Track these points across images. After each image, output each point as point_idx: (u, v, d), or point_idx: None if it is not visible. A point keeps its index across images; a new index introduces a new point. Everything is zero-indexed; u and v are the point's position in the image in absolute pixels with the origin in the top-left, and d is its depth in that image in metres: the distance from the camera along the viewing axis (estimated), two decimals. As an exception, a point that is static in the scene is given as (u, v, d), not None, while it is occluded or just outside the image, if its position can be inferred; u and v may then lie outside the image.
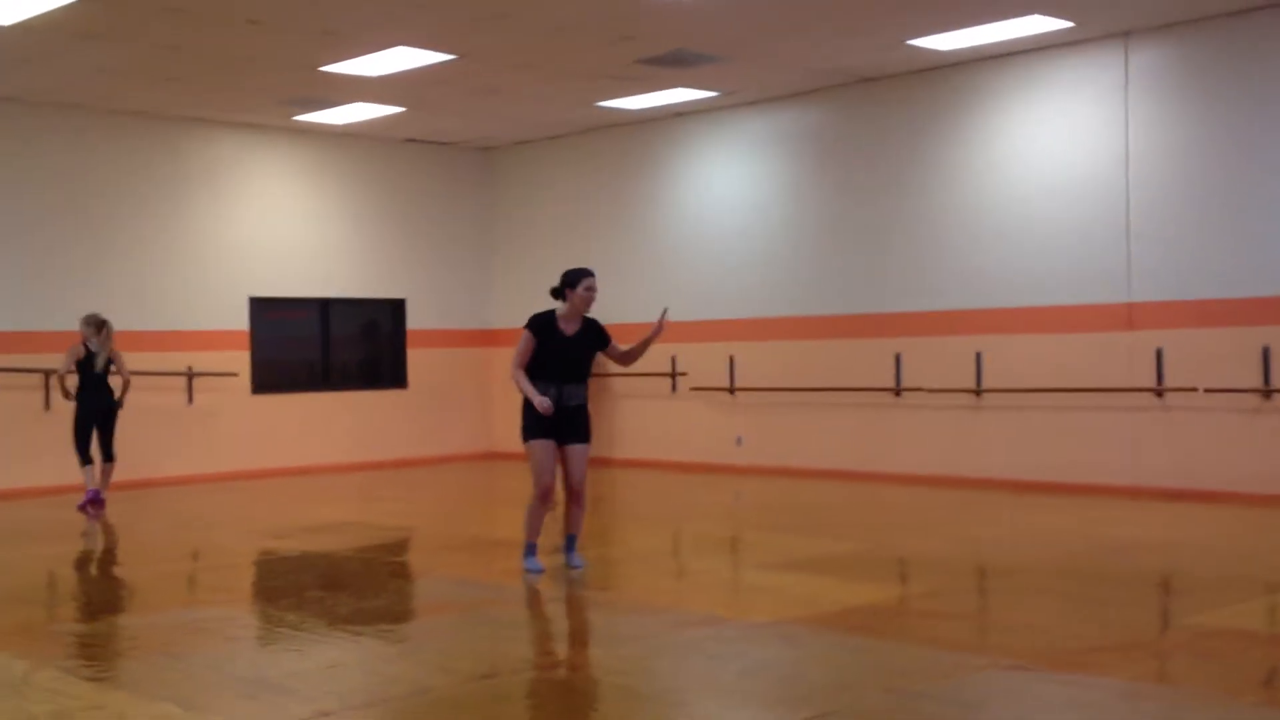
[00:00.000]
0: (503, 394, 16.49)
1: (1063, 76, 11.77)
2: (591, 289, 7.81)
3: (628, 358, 8.03)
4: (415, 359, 16.19)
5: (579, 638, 6.54)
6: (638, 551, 8.46)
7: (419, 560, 9.30)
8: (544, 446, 7.76)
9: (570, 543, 8.08)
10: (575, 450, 7.83)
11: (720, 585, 7.93)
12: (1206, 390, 10.89)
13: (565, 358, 7.76)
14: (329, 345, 15.70)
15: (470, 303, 16.74)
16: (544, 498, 7.84)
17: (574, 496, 7.95)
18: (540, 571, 7.88)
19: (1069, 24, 10.94)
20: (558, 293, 7.88)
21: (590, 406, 7.94)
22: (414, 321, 16.17)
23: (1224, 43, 10.86)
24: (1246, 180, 10.75)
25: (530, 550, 7.97)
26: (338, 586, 7.89)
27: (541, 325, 7.79)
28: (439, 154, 16.36)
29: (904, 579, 8.05)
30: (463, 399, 16.58)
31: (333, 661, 5.89)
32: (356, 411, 15.63)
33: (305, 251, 15.33)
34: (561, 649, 6.29)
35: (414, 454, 15.97)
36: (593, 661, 5.86)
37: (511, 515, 11.81)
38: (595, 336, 7.93)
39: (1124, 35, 11.32)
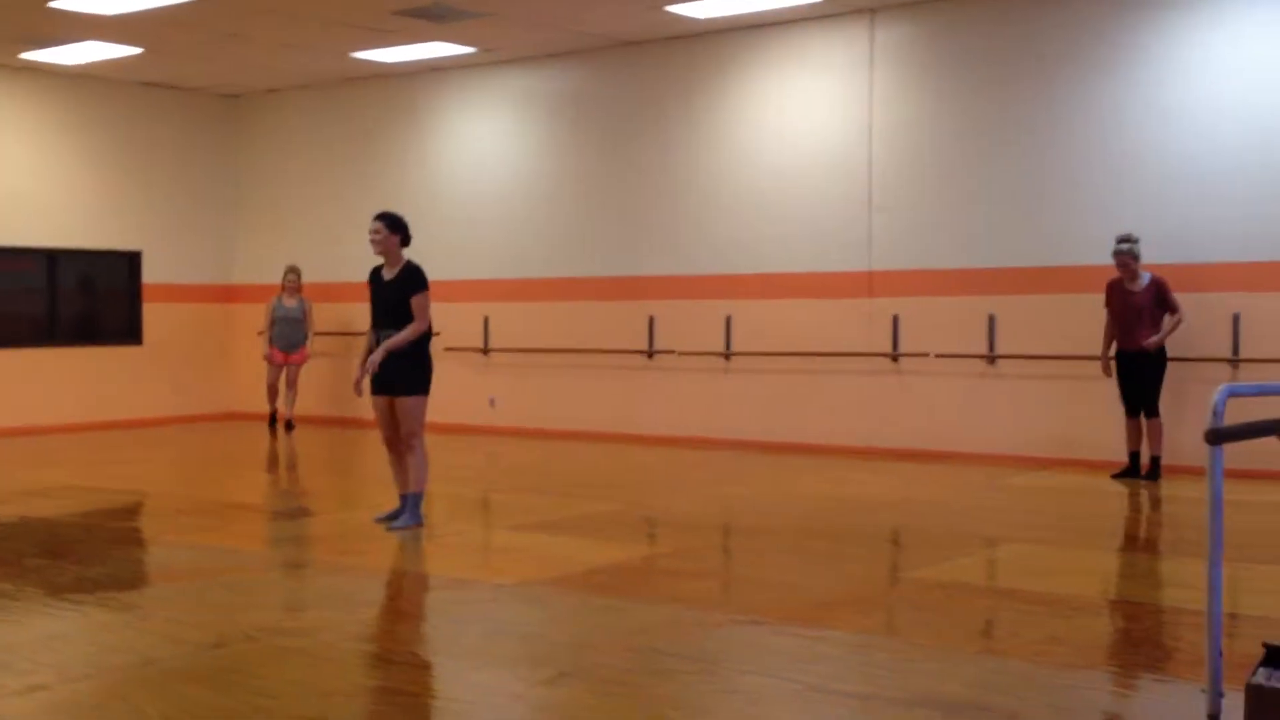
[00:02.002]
0: (245, 352, 15.92)
1: (813, 49, 12.07)
2: (370, 231, 7.99)
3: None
4: (151, 314, 15.42)
5: (318, 603, 6.35)
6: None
7: (150, 525, 8.88)
8: (374, 401, 8.00)
9: (401, 502, 8.11)
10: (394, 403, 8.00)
11: (469, 547, 7.86)
12: (938, 355, 11.42)
13: (377, 301, 7.96)
14: (56, 298, 14.78)
15: (212, 257, 16.04)
16: (386, 448, 8.07)
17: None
18: (381, 519, 8.10)
19: (818, -3, 11.21)
20: None
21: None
22: (150, 275, 15.39)
23: (964, 22, 11.34)
24: (978, 157, 11.28)
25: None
26: (59, 554, 7.44)
27: (370, 275, 8.04)
28: (180, 100, 15.57)
29: (652, 539, 8.15)
30: (203, 357, 15.92)
31: (52, 632, 5.54)
32: (86, 369, 14.79)
33: (32, 199, 14.37)
34: (299, 615, 6.09)
35: (150, 414, 15.24)
36: (332, 627, 5.70)
37: (252, 477, 11.44)
38: (404, 282, 7.89)
39: (871, 11, 11.68)
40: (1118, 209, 10.49)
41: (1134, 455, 10.02)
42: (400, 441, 7.97)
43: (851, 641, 5.40)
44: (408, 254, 8.01)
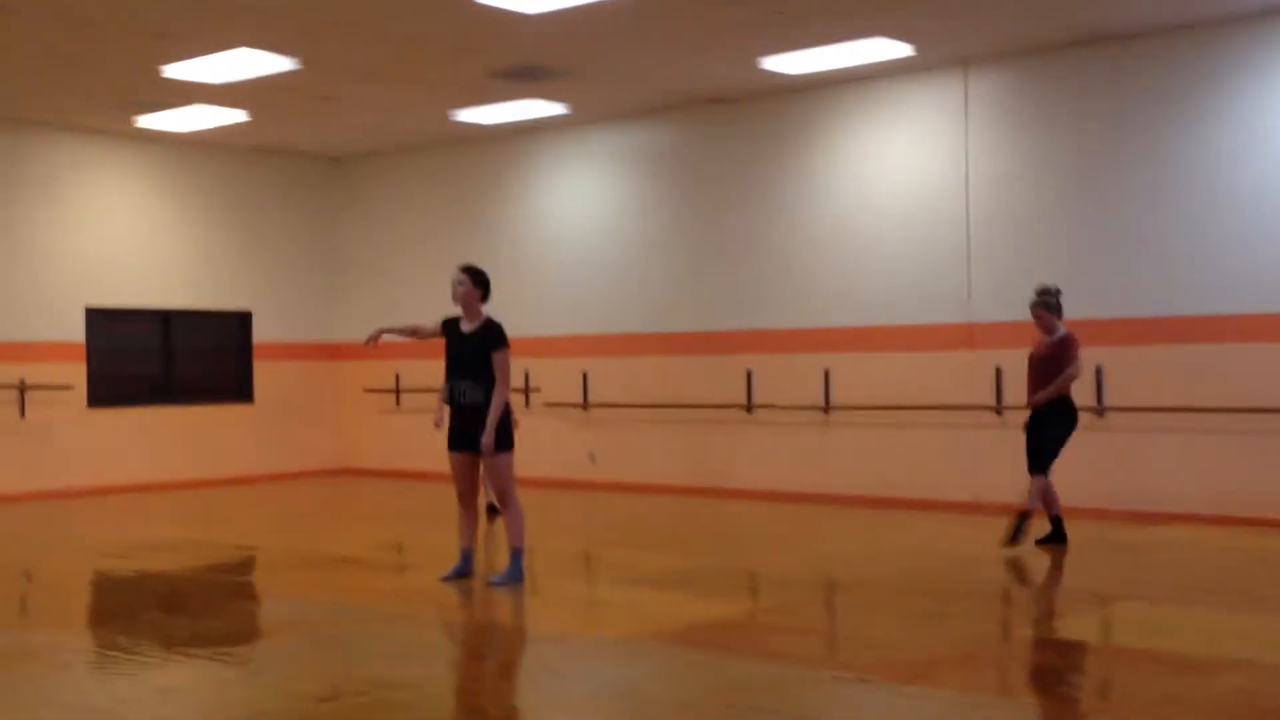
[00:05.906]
0: (352, 408, 16.24)
1: (907, 101, 12.07)
2: (453, 282, 8.07)
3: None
4: (262, 372, 15.81)
5: (425, 657, 6.42)
6: (488, 569, 8.37)
7: (262, 580, 9.05)
8: (453, 458, 8.04)
9: (463, 558, 8.23)
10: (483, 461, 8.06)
11: (570, 602, 7.89)
12: (1043, 408, 11.22)
13: (455, 354, 7.94)
14: (170, 358, 15.23)
15: (318, 315, 16.42)
16: (459, 502, 8.15)
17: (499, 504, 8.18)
18: (446, 578, 8.12)
19: (910, 49, 11.21)
20: None
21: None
22: (260, 334, 15.80)
23: (1056, 73, 11.26)
24: (1076, 206, 11.14)
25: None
26: (175, 608, 7.63)
27: (445, 324, 8.08)
28: (285, 162, 16.03)
29: (752, 594, 8.11)
30: (312, 413, 16.25)
31: (166, 686, 5.68)
32: (200, 426, 15.19)
33: (146, 261, 14.86)
34: (406, 669, 6.17)
35: (261, 470, 15.58)
36: (438, 681, 5.77)
37: (361, 531, 11.62)
38: (485, 337, 7.95)
39: (963, 62, 11.66)
40: (1228, 255, 10.28)
41: (1055, 519, 9.37)
42: (473, 496, 8.09)
43: (960, 700, 5.31)
44: (487, 311, 8.11)
